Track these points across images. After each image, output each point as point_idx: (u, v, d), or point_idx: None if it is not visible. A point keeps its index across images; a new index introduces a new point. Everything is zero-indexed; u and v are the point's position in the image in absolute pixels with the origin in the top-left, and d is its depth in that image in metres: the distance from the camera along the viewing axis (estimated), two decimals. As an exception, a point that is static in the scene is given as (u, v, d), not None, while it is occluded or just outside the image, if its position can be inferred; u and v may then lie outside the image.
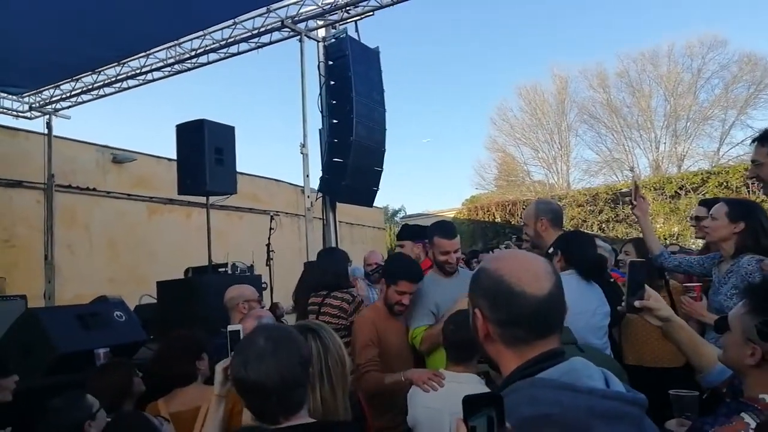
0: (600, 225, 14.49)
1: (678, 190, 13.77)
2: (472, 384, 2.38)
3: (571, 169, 25.73)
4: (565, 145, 25.53)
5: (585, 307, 2.68)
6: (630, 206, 3.24)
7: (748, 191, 12.44)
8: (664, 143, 23.71)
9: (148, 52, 8.01)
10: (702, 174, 14.09)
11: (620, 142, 24.56)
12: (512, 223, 15.49)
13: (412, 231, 4.15)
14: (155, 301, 5.61)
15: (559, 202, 6.16)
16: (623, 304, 1.72)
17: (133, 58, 8.10)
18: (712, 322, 2.54)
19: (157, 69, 8.28)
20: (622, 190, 14.96)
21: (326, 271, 3.69)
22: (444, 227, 3.23)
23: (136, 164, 10.37)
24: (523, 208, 15.84)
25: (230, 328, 2.05)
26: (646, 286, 1.70)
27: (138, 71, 8.32)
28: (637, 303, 1.68)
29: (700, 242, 4.46)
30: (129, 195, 10.20)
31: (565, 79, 25.63)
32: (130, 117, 45.78)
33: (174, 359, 2.54)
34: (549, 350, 1.07)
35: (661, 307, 1.69)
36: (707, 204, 3.38)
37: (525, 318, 1.06)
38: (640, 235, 3.54)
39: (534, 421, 0.95)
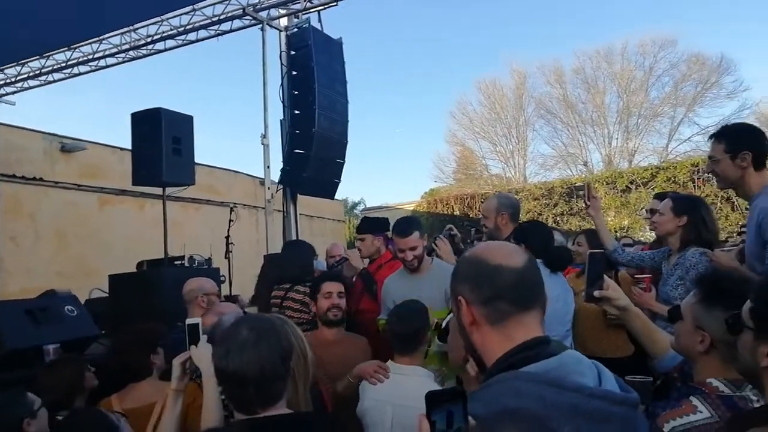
0: (555, 218, 14.85)
1: (629, 185, 14.24)
2: (417, 376, 2.41)
3: (527, 163, 26.27)
4: (523, 139, 26.04)
5: (549, 294, 2.74)
6: (584, 206, 3.35)
7: (695, 186, 12.99)
8: (617, 139, 24.51)
9: (101, 38, 7.71)
10: (651, 169, 14.60)
11: (575, 137, 25.22)
12: (470, 216, 15.68)
13: (372, 223, 4.15)
14: (106, 295, 5.42)
15: (515, 196, 6.27)
16: (582, 293, 1.78)
17: (84, 43, 7.78)
18: (660, 311, 2.67)
19: (111, 55, 7.99)
20: (576, 184, 15.39)
21: (290, 264, 3.65)
22: (398, 225, 3.23)
23: (86, 153, 9.96)
24: (482, 202, 16.11)
25: (188, 321, 2.03)
26: (605, 276, 1.76)
27: (90, 57, 8.00)
28: (596, 293, 1.75)
29: (651, 234, 4.64)
30: (79, 185, 9.80)
31: (524, 74, 26.09)
32: (81, 105, 43.88)
33: (128, 353, 2.47)
34: (534, 338, 1.09)
35: (619, 296, 1.77)
36: (661, 197, 3.52)
37: (506, 289, 1.09)
38: (593, 227, 3.66)
39: (501, 415, 0.95)
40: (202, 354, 1.91)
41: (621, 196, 14.24)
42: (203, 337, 1.97)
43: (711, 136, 2.61)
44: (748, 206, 2.58)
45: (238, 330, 1.52)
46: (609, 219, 13.62)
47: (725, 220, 11.94)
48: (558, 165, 25.42)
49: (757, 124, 3.17)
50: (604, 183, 14.73)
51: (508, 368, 1.02)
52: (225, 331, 1.58)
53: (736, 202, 12.35)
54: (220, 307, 2.70)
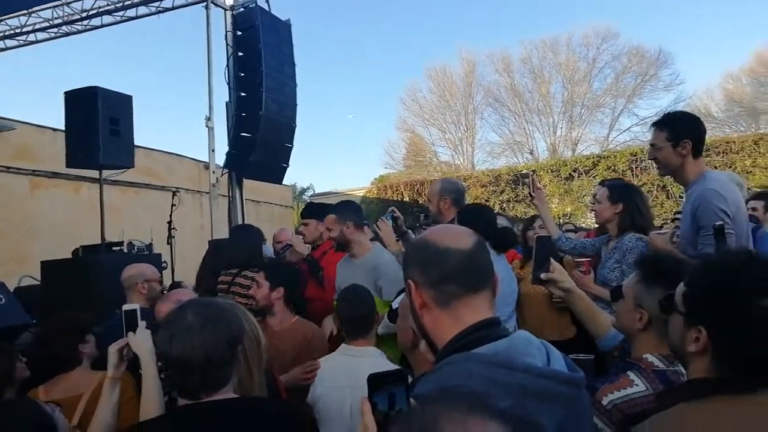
0: (501, 204, 15.17)
1: (572, 173, 14.71)
2: (371, 356, 2.43)
3: (475, 151, 26.72)
4: (471, 127, 26.42)
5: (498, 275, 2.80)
6: (529, 197, 3.44)
7: (633, 174, 13.54)
8: (561, 128, 25.27)
9: (30, 11, 7.23)
10: (593, 158, 15.12)
11: (522, 126, 25.83)
12: (420, 202, 15.82)
13: (316, 209, 4.11)
14: (38, 282, 5.16)
15: (464, 183, 6.38)
16: (529, 278, 1.83)
17: (11, 15, 7.27)
18: (599, 293, 2.79)
19: (42, 30, 7.51)
20: (522, 172, 15.77)
21: (238, 249, 3.55)
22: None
23: (16, 134, 9.36)
24: (431, 188, 16.31)
25: (125, 307, 1.95)
26: (551, 260, 1.81)
27: (17, 31, 7.50)
28: (543, 275, 1.80)
29: (594, 221, 4.82)
30: (8, 168, 9.22)
31: (473, 63, 26.42)
32: (9, 82, 41.25)
33: (53, 342, 2.35)
34: (484, 319, 1.10)
35: (565, 279, 1.83)
36: (605, 184, 3.64)
37: (455, 272, 1.10)
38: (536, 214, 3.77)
39: (438, 392, 0.92)
40: (140, 341, 1.85)
41: (564, 184, 14.70)
42: (141, 323, 1.91)
43: (653, 124, 2.68)
44: (683, 193, 2.71)
45: (183, 314, 1.48)
46: (553, 206, 14.05)
47: (660, 207, 12.53)
48: (505, 153, 26.04)
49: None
50: (549, 171, 15.15)
51: (459, 350, 1.05)
52: (169, 316, 1.53)
53: (670, 190, 12.99)
54: (178, 294, 2.60)
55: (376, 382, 0.89)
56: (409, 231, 3.60)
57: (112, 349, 1.87)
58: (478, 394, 0.93)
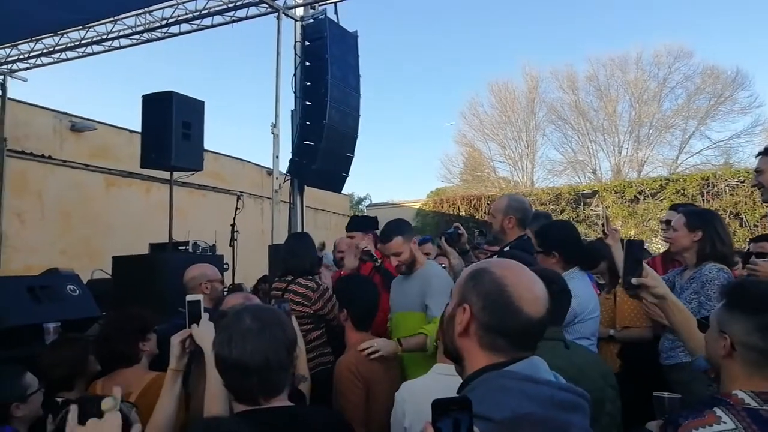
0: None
1: (637, 195, 14.16)
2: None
3: (535, 168, 26.17)
4: (532, 143, 25.92)
5: (594, 308, 2.72)
6: (603, 236, 3.32)
7: (704, 200, 12.89)
8: (627, 148, 24.38)
9: (115, 18, 7.66)
10: (661, 180, 14.51)
11: (585, 145, 25.10)
12: (476, 217, 15.64)
13: (361, 222, 4.10)
14: (109, 276, 5.41)
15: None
16: (620, 281, 1.75)
17: (99, 23, 7.73)
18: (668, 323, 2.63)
19: (125, 36, 7.95)
20: (584, 192, 15.31)
21: (295, 257, 3.60)
22: (382, 231, 3.19)
23: (95, 134, 9.96)
24: (488, 204, 16.07)
25: (189, 298, 1.93)
26: (644, 264, 1.71)
27: (104, 37, 7.97)
28: (634, 280, 1.70)
29: (659, 244, 4.60)
30: (86, 165, 9.79)
31: (536, 79, 25.96)
32: (92, 85, 43.99)
33: (115, 338, 2.38)
34: (519, 356, 1.12)
35: (658, 284, 1.72)
36: (676, 208, 3.46)
37: (513, 333, 1.11)
38: (600, 236, 3.62)
39: (514, 422, 0.96)
40: (203, 332, 1.82)
41: (629, 206, 14.16)
42: (205, 315, 1.88)
43: (759, 153, 2.75)
44: (757, 222, 2.65)
45: (242, 318, 1.48)
46: (606, 242, 13.54)
47: (733, 236, 11.84)
48: (566, 171, 25.34)
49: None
50: (613, 192, 14.64)
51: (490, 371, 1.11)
52: (227, 319, 1.53)
53: (744, 218, 12.27)
54: (248, 294, 2.67)
55: (441, 407, 0.87)
56: (471, 251, 3.53)
57: (175, 341, 1.85)
58: (555, 423, 0.93)
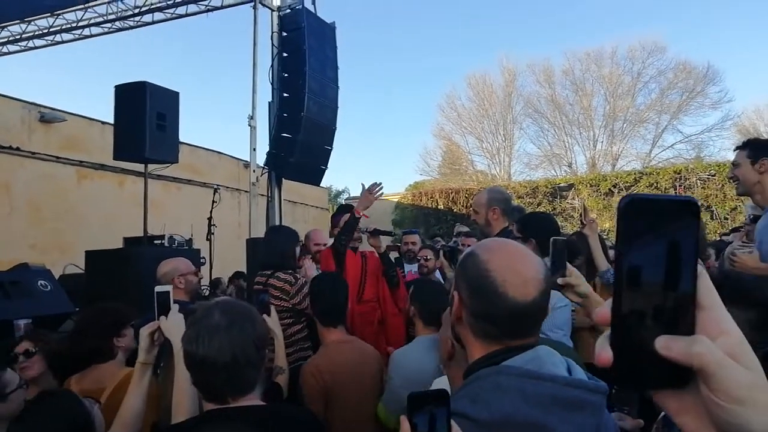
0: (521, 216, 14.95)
1: (612, 188, 14.36)
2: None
3: (512, 161, 26.40)
4: (509, 137, 26.13)
5: (563, 297, 2.71)
6: (581, 225, 3.35)
7: (676, 193, 13.14)
8: (602, 142, 24.75)
9: (85, 5, 7.46)
10: (634, 174, 14.74)
11: (561, 138, 25.42)
12: (454, 210, 15.71)
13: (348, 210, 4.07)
14: (81, 271, 5.28)
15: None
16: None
17: (68, 10, 7.52)
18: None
19: (96, 24, 7.75)
20: (560, 185, 15.48)
21: (272, 250, 3.56)
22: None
23: (65, 125, 9.69)
24: (466, 197, 16.15)
25: (158, 288, 1.88)
26: (567, 264, 1.73)
27: (74, 25, 7.75)
28: (559, 280, 1.71)
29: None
30: (57, 157, 9.53)
31: (514, 72, 26.15)
32: (62, 75, 42.85)
33: (89, 334, 2.34)
34: (518, 345, 1.06)
35: (581, 283, 1.74)
36: None
37: (501, 319, 1.04)
38: (577, 230, 3.65)
39: (504, 422, 0.95)
40: (172, 325, 1.78)
41: (604, 199, 14.36)
42: (174, 307, 1.84)
43: (737, 147, 2.85)
44: (728, 215, 2.70)
45: (211, 313, 1.43)
46: (584, 231, 13.74)
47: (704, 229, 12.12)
48: (543, 165, 25.64)
49: (738, 136, 3.29)
50: (588, 185, 14.83)
51: (488, 365, 1.04)
52: (197, 315, 1.48)
53: (715, 211, 12.55)
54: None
55: (417, 401, 0.84)
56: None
57: (143, 333, 1.81)
58: (540, 425, 0.91)
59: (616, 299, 0.48)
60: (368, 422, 2.50)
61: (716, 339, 0.46)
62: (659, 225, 0.47)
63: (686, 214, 0.47)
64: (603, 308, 0.49)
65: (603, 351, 0.48)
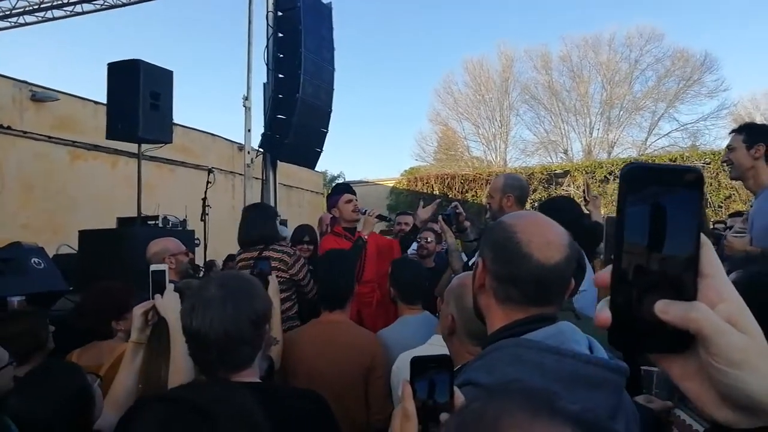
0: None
1: (607, 175, 14.40)
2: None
3: (508, 148, 26.35)
4: (506, 123, 26.04)
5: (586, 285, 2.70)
6: (584, 202, 3.33)
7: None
8: (598, 129, 24.73)
9: (78, -19, 7.35)
10: (630, 161, 14.71)
11: (557, 125, 25.36)
12: (450, 196, 15.69)
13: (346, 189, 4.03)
14: (74, 251, 5.25)
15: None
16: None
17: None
18: None
19: (87, 1, 7.62)
20: (556, 172, 15.49)
21: (262, 226, 3.47)
22: None
23: (58, 104, 9.57)
24: (462, 183, 16.15)
25: (153, 267, 1.85)
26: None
27: (65, 1, 7.63)
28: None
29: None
30: (49, 137, 9.43)
31: (511, 58, 25.98)
32: (53, 52, 42.24)
33: (89, 316, 2.34)
34: (539, 314, 1.05)
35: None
36: None
37: (523, 282, 1.04)
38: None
39: (499, 390, 0.92)
40: (167, 303, 1.75)
41: (599, 186, 14.40)
42: (170, 286, 1.82)
43: (732, 131, 2.84)
44: (722, 203, 2.73)
45: (207, 286, 1.41)
46: (587, 209, 13.79)
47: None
48: (539, 151, 25.61)
49: (733, 125, 3.29)
50: (584, 172, 14.86)
51: (508, 336, 1.03)
52: (193, 288, 1.47)
53: (709, 199, 12.60)
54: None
55: (419, 365, 0.82)
56: (468, 229, 3.51)
57: (137, 312, 1.79)
58: (543, 394, 0.89)
59: (617, 263, 0.49)
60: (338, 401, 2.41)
61: (716, 306, 0.47)
62: (660, 191, 0.49)
63: (688, 182, 0.48)
64: (603, 272, 0.51)
65: (602, 312, 0.49)
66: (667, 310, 0.47)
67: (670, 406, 1.66)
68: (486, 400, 0.60)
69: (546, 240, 1.05)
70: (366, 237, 3.60)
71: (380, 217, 3.76)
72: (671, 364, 0.51)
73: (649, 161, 13.37)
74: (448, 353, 0.90)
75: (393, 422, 0.82)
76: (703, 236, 0.49)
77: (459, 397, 0.82)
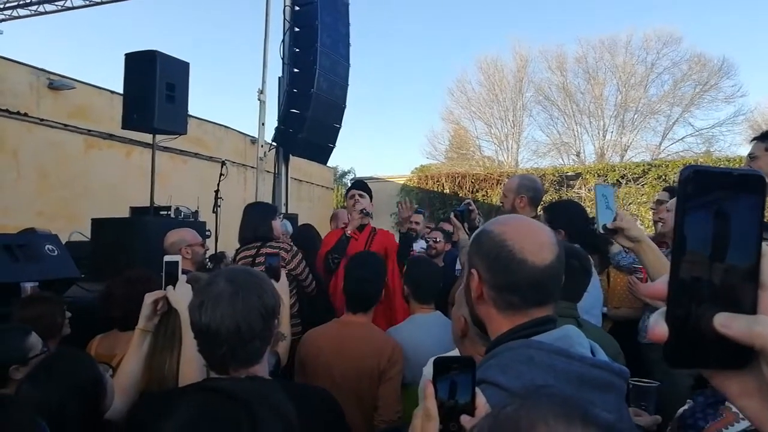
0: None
1: (620, 179, 14.27)
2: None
3: (520, 149, 26.19)
4: (518, 123, 25.88)
5: (596, 284, 2.69)
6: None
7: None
8: (611, 132, 24.48)
9: (97, -29, 7.40)
10: (643, 165, 14.61)
11: (570, 127, 25.15)
12: (460, 195, 15.64)
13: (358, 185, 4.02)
14: (87, 239, 5.30)
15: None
16: (595, 226, 1.74)
17: (79, -25, 7.46)
18: (653, 303, 2.66)
19: (107, -9, 7.68)
20: (568, 174, 15.38)
21: (262, 225, 3.51)
22: None
23: (74, 93, 9.65)
24: (472, 182, 16.08)
25: (167, 258, 1.85)
26: (618, 209, 1.75)
27: (85, -9, 7.69)
28: (609, 224, 1.72)
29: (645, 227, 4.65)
30: (65, 125, 9.51)
31: (526, 58, 25.79)
32: (72, 42, 42.59)
33: (114, 305, 2.34)
34: (542, 317, 1.07)
35: (632, 226, 1.74)
36: (671, 190, 3.48)
37: (522, 286, 1.05)
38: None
39: (529, 392, 0.93)
40: (180, 295, 1.75)
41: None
42: (182, 277, 1.82)
43: (754, 138, 2.75)
44: None
45: (217, 281, 1.39)
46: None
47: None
48: (551, 153, 25.42)
49: (749, 132, 3.23)
50: (596, 175, 14.73)
51: (515, 339, 1.04)
52: (204, 281, 1.45)
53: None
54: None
55: (442, 365, 0.82)
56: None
57: (147, 300, 1.78)
58: (576, 402, 0.90)
59: (675, 273, 0.47)
60: (350, 400, 2.37)
61: None
62: (721, 197, 0.45)
63: (750, 188, 0.45)
64: (658, 282, 0.48)
65: (657, 326, 0.47)
66: (729, 324, 0.44)
67: (658, 420, 1.64)
68: (519, 406, 0.60)
69: (537, 242, 1.07)
70: (350, 232, 3.59)
71: (364, 213, 3.72)
72: (728, 382, 0.48)
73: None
74: (470, 356, 0.90)
75: (414, 421, 0.82)
76: (764, 245, 0.46)
77: (481, 398, 0.82)
